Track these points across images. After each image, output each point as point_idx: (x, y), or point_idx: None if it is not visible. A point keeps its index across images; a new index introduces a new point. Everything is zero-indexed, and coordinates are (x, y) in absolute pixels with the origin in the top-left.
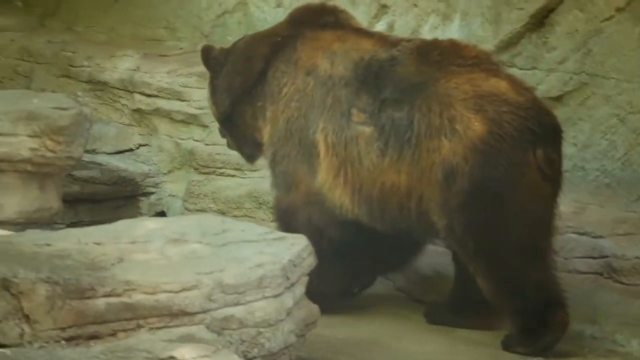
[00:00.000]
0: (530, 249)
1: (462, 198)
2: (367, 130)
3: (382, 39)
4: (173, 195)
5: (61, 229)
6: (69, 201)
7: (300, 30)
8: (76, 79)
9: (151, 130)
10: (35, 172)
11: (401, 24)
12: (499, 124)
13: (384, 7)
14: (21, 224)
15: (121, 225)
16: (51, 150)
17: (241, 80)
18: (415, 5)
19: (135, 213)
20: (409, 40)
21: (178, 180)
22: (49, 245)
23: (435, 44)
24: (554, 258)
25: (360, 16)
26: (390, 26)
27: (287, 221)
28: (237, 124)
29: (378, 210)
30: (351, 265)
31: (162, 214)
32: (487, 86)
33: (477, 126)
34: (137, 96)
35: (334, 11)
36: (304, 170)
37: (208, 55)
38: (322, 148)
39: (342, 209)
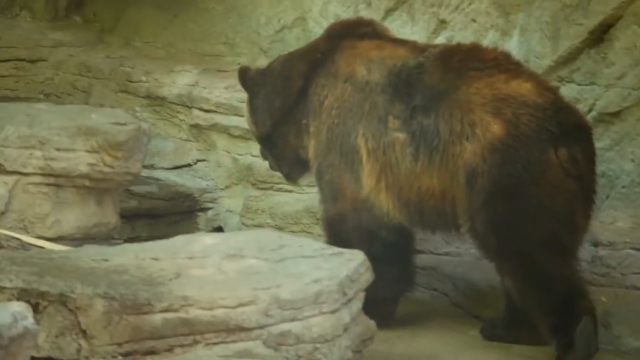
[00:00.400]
0: (552, 244)
1: (483, 197)
2: (401, 136)
3: (414, 47)
4: (230, 211)
5: (119, 244)
6: (127, 216)
7: (338, 43)
8: (134, 94)
9: (209, 145)
10: (93, 187)
11: (460, 39)
12: (516, 125)
13: (442, 23)
14: (79, 239)
15: (179, 240)
16: (109, 166)
17: (281, 101)
18: (474, 21)
19: (192, 228)
20: (435, 47)
21: (236, 196)
22: (106, 260)
23: (457, 49)
24: (579, 256)
25: (419, 32)
26: (449, 41)
27: (336, 229)
28: (276, 143)
29: (416, 214)
30: (402, 267)
31: (219, 229)
32: (507, 89)
33: (495, 128)
34: (195, 111)
35: (371, 23)
36: (348, 177)
37: (245, 77)
38: (363, 152)
39: (388, 214)
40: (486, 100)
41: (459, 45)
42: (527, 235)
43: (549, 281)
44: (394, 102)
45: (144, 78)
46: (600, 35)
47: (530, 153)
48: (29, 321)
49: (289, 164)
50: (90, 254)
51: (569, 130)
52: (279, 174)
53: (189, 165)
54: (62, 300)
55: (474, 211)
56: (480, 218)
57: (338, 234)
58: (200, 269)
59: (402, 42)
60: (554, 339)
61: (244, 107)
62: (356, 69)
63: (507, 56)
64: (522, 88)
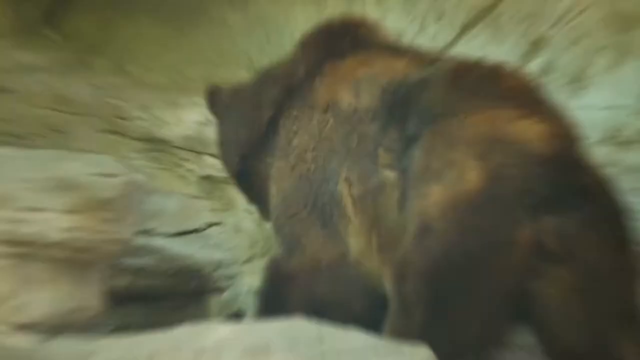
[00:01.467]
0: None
1: (429, 260)
2: (392, 175)
3: (417, 57)
4: (253, 292)
5: (105, 336)
6: (116, 299)
7: (317, 67)
8: (127, 136)
9: (225, 204)
10: (69, 259)
11: (562, 63)
12: (496, 180)
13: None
14: (51, 329)
15: (184, 331)
16: (92, 231)
17: (248, 133)
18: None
19: (202, 315)
20: (448, 60)
21: (259, 272)
22: (88, 358)
23: (475, 66)
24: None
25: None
26: (548, 67)
27: (280, 287)
28: (253, 183)
29: None
30: None
31: (238, 316)
32: (508, 129)
33: (471, 177)
34: (208, 159)
35: (350, 30)
36: (315, 233)
37: (213, 98)
38: (348, 203)
39: (380, 282)
40: (479, 138)
41: (478, 62)
42: (448, 322)
43: None
44: (387, 129)
45: (139, 114)
46: None
47: (496, 227)
48: None
49: (262, 202)
50: (66, 349)
51: (568, 194)
52: None
53: (198, 230)
54: None
55: (415, 267)
56: (420, 280)
57: (281, 291)
58: None
59: (399, 51)
60: None
61: None
62: (340, 96)
63: (528, 88)
64: (529, 131)
